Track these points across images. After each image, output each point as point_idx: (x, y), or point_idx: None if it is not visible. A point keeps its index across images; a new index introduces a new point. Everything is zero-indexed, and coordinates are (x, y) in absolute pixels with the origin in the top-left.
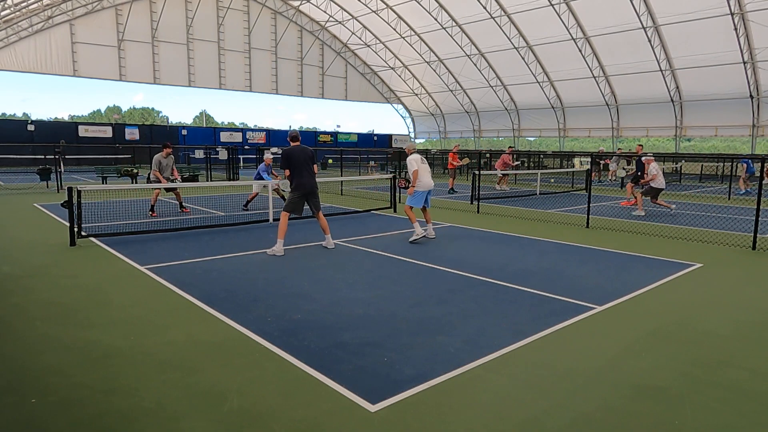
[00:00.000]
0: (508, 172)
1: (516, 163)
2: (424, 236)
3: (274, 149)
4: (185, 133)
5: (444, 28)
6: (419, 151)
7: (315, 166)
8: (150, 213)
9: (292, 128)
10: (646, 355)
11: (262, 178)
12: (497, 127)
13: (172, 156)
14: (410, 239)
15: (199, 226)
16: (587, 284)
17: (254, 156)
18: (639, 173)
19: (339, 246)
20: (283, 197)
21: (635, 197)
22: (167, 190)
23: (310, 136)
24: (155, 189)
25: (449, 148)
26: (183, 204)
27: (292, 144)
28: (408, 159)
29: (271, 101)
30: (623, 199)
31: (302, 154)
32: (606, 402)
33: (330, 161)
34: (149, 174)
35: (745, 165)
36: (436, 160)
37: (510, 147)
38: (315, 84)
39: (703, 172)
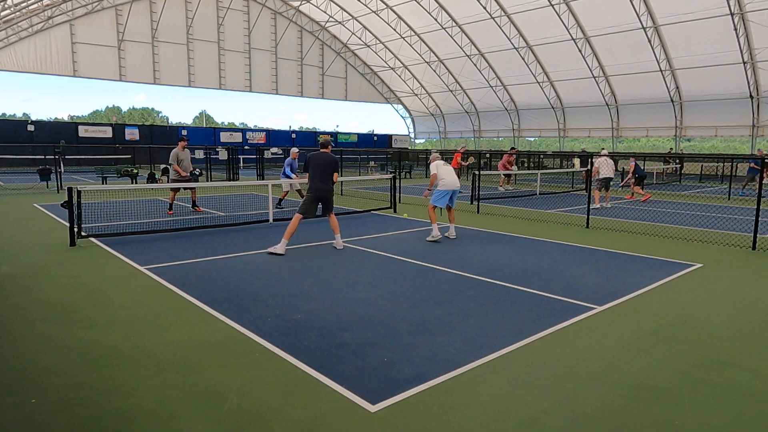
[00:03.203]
0: (510, 172)
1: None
2: (440, 239)
3: (275, 149)
4: (185, 133)
5: (444, 29)
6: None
7: (335, 174)
8: (168, 212)
9: (322, 134)
10: (646, 355)
11: (288, 175)
12: (497, 128)
13: (188, 150)
14: (427, 238)
15: (200, 227)
16: (587, 284)
17: (254, 156)
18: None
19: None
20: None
21: (638, 193)
22: (184, 188)
23: (310, 137)
24: (172, 189)
25: (449, 149)
26: (196, 203)
27: (321, 150)
28: (431, 165)
29: (271, 101)
30: (626, 199)
31: (322, 161)
32: (606, 402)
33: None
34: (165, 167)
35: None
36: None
37: (513, 148)
38: (315, 84)
39: (703, 172)
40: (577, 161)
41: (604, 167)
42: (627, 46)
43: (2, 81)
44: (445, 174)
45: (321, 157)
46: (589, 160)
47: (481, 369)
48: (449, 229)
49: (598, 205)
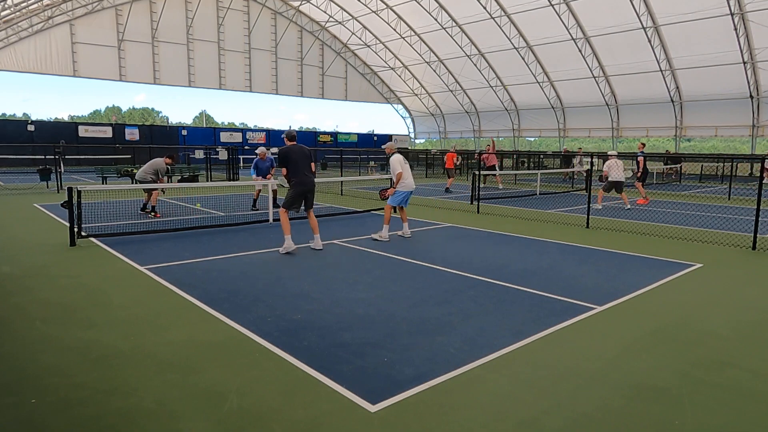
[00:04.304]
0: (493, 172)
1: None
2: (388, 240)
3: (274, 149)
4: (185, 133)
5: (444, 29)
6: (403, 151)
7: (312, 164)
8: (154, 215)
9: (291, 128)
10: (646, 355)
11: (258, 173)
12: (497, 128)
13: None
14: (374, 235)
15: (200, 226)
16: (587, 284)
17: (254, 156)
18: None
19: (339, 246)
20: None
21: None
22: (146, 190)
23: (310, 137)
24: (154, 190)
25: (448, 149)
26: (155, 208)
27: (288, 143)
28: (391, 160)
29: (271, 101)
30: (637, 198)
31: (300, 153)
32: (606, 402)
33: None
34: (144, 175)
35: None
36: (437, 160)
37: (488, 146)
38: (315, 84)
39: (703, 172)
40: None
41: (614, 170)
42: (627, 46)
43: (2, 81)
44: (407, 174)
45: (298, 149)
46: (572, 160)
47: (481, 369)
48: (403, 227)
49: (600, 206)
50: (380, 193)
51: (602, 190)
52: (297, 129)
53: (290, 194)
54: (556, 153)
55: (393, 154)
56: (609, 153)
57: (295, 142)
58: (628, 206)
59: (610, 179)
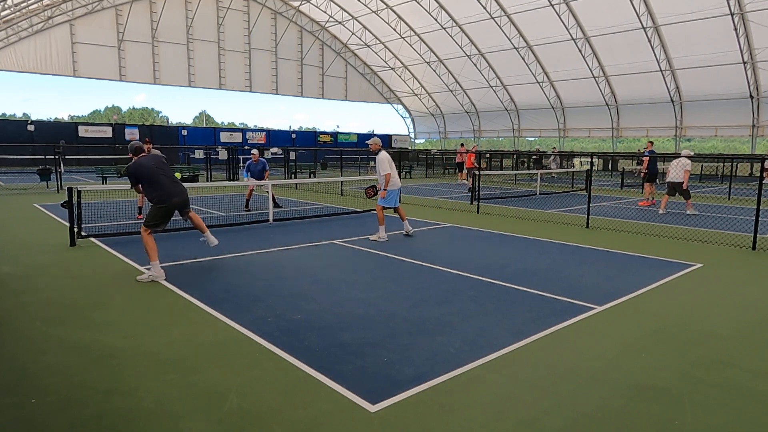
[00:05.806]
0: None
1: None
2: (387, 240)
3: (274, 149)
4: (185, 133)
5: (444, 29)
6: (388, 152)
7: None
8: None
9: (136, 141)
10: (646, 355)
11: (251, 176)
12: (497, 128)
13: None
14: (371, 237)
15: None
16: (587, 284)
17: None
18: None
19: (338, 246)
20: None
21: (652, 198)
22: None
23: (310, 137)
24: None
25: (450, 148)
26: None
27: (136, 157)
28: (379, 158)
29: (271, 101)
30: (640, 200)
31: (153, 162)
32: (606, 402)
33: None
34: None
35: None
36: (436, 160)
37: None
38: (315, 84)
39: (703, 172)
40: (577, 161)
41: (671, 169)
42: (627, 46)
43: (2, 81)
44: (395, 172)
45: (150, 159)
46: (542, 160)
47: (481, 369)
48: (404, 225)
49: (662, 211)
50: (366, 191)
51: (667, 195)
52: (297, 129)
53: (156, 212)
54: (524, 152)
55: (380, 151)
56: (683, 152)
57: (144, 153)
58: (662, 211)
59: (668, 180)
